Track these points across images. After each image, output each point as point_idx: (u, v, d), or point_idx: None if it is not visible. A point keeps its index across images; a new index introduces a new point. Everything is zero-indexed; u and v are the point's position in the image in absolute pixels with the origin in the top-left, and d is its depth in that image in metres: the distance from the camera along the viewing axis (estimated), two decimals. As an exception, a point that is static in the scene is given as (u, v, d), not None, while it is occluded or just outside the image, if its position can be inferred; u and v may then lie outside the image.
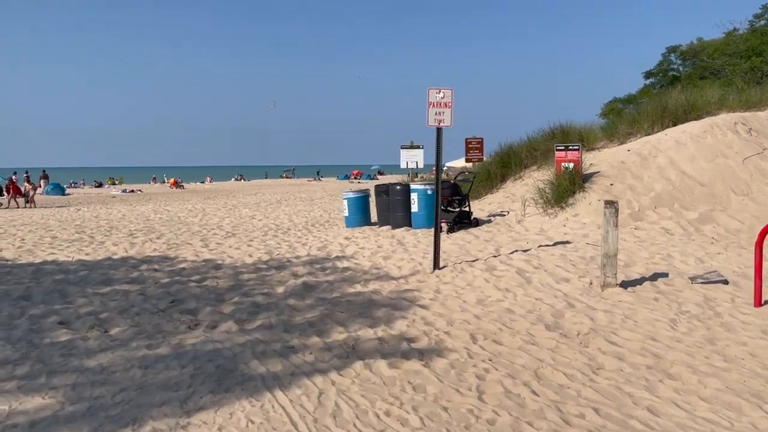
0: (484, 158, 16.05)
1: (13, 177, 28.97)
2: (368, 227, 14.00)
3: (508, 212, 13.04)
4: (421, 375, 4.59)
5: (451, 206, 12.28)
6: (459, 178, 13.50)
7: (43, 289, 7.70)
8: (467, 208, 12.29)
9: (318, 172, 68.92)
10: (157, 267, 9.44)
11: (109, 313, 6.45)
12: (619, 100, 41.08)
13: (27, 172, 44.33)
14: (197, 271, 9.05)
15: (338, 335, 5.68)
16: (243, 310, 6.58)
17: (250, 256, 10.51)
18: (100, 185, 51.46)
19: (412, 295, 7.14)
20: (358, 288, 7.66)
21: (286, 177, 72.92)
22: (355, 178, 64.20)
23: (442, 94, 8.08)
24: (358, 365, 4.82)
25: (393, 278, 8.15)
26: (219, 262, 9.88)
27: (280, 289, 7.63)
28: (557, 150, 12.98)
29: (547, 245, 9.92)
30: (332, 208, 22.09)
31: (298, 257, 10.19)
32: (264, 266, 9.38)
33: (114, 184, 52.15)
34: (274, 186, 49.44)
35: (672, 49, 40.35)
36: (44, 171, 43.46)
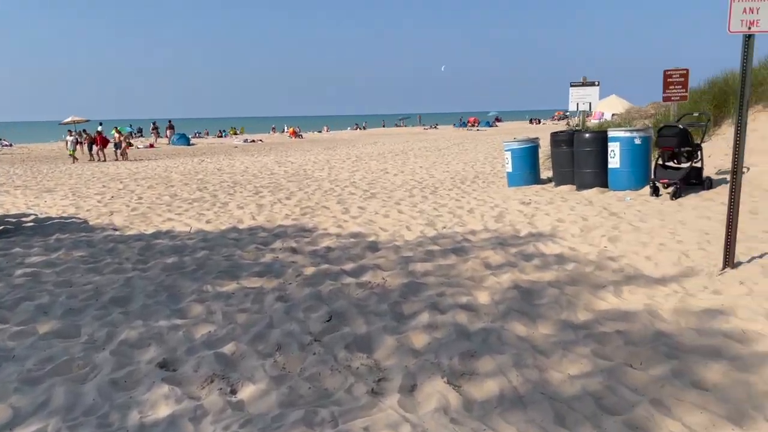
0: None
1: (99, 128, 27.22)
2: (539, 186, 11.15)
3: (748, 168, 9.52)
4: None
5: (676, 160, 8.96)
6: (684, 120, 10.02)
7: (147, 284, 5.52)
8: (699, 163, 8.91)
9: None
10: (294, 245, 7.10)
11: (237, 342, 4.04)
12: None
13: (154, 123, 44.96)
14: (348, 253, 6.59)
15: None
16: (449, 346, 3.92)
17: (408, 228, 7.95)
18: (222, 135, 51.57)
19: (734, 326, 3.96)
20: (613, 301, 4.66)
21: (403, 125, 70.76)
22: (473, 125, 60.38)
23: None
24: None
25: (658, 281, 5.09)
26: (372, 239, 7.38)
27: (483, 297, 4.91)
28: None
29: None
30: (470, 159, 19.22)
31: (473, 232, 7.49)
32: (435, 247, 6.74)
33: (236, 134, 52.07)
34: (392, 135, 47.00)
35: None
36: (170, 121, 43.75)
